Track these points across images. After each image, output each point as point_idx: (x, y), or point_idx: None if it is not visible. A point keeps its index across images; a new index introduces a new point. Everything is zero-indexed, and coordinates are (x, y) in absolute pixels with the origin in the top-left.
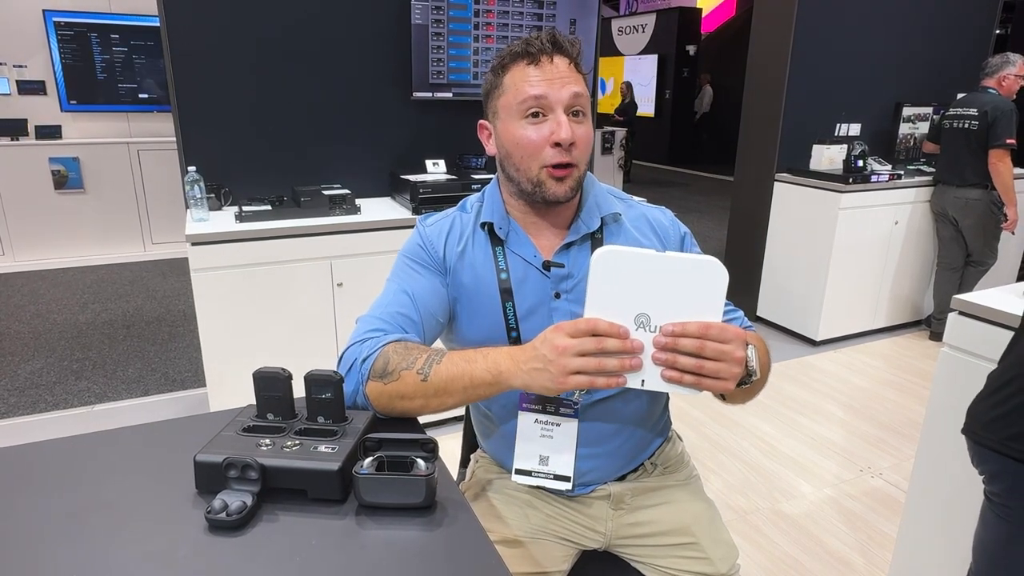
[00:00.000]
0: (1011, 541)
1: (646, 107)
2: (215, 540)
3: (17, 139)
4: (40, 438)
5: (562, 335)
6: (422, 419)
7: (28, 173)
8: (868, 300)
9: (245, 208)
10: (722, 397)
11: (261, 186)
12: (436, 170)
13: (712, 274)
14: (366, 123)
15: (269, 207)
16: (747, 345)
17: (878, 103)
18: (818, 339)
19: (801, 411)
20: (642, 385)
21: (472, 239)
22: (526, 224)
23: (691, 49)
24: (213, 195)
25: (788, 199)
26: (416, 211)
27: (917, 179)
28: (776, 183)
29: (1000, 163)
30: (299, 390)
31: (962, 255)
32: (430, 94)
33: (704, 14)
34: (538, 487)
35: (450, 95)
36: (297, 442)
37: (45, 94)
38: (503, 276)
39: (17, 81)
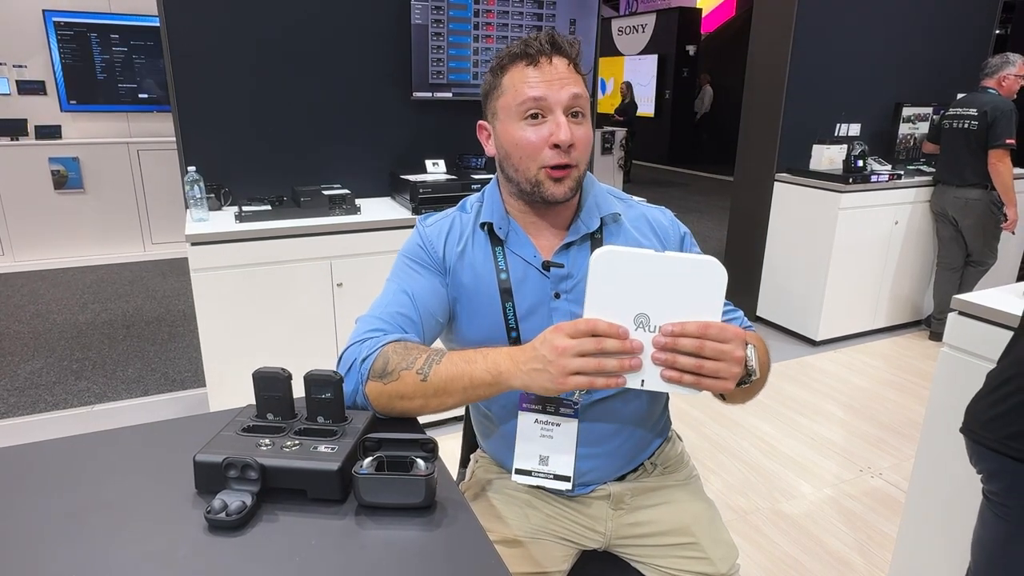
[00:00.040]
0: (1009, 540)
1: (646, 107)
2: (215, 540)
3: (17, 139)
4: (40, 438)
5: (562, 335)
6: (422, 419)
7: (28, 173)
8: (868, 300)
9: (245, 208)
10: (722, 397)
11: (261, 186)
12: (436, 170)
13: (711, 274)
14: (366, 123)
15: (269, 207)
16: (746, 345)
17: (878, 103)
18: (818, 339)
19: (801, 411)
20: (642, 385)
21: (472, 239)
22: (526, 224)
23: (691, 49)
24: (213, 195)
25: (788, 199)
26: (416, 211)
27: (917, 179)
28: (776, 183)
29: (1000, 163)
30: (299, 390)
31: (962, 255)
32: (430, 94)
33: (704, 14)
34: (538, 487)
35: (450, 95)
36: (297, 442)
37: (45, 94)
38: (503, 276)
39: (17, 81)
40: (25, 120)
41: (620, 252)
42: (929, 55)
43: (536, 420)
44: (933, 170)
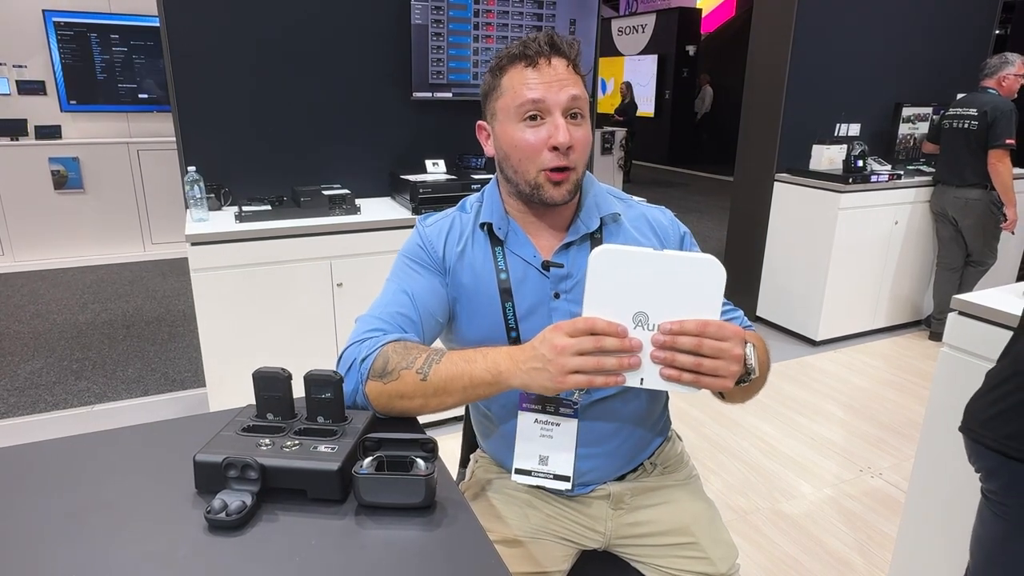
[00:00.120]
0: (1008, 538)
1: (646, 107)
2: (215, 540)
3: (17, 139)
4: (40, 438)
5: (561, 334)
6: (422, 419)
7: (28, 173)
8: (868, 300)
9: (245, 208)
10: (721, 396)
11: (261, 186)
12: (436, 170)
13: (710, 272)
14: (366, 123)
15: (269, 207)
16: (745, 343)
17: (878, 103)
18: (818, 339)
19: (801, 411)
20: (641, 384)
21: (472, 239)
22: (525, 224)
23: (691, 49)
24: (213, 195)
25: (788, 199)
26: (416, 211)
27: (917, 179)
28: (776, 183)
29: (999, 163)
30: (299, 390)
31: (962, 255)
32: (430, 94)
33: (704, 14)
34: (538, 487)
35: (450, 95)
36: (297, 442)
37: (45, 94)
38: (502, 276)
39: (17, 81)
40: (25, 120)
41: (618, 250)
42: (929, 55)
43: (536, 420)
44: (933, 170)
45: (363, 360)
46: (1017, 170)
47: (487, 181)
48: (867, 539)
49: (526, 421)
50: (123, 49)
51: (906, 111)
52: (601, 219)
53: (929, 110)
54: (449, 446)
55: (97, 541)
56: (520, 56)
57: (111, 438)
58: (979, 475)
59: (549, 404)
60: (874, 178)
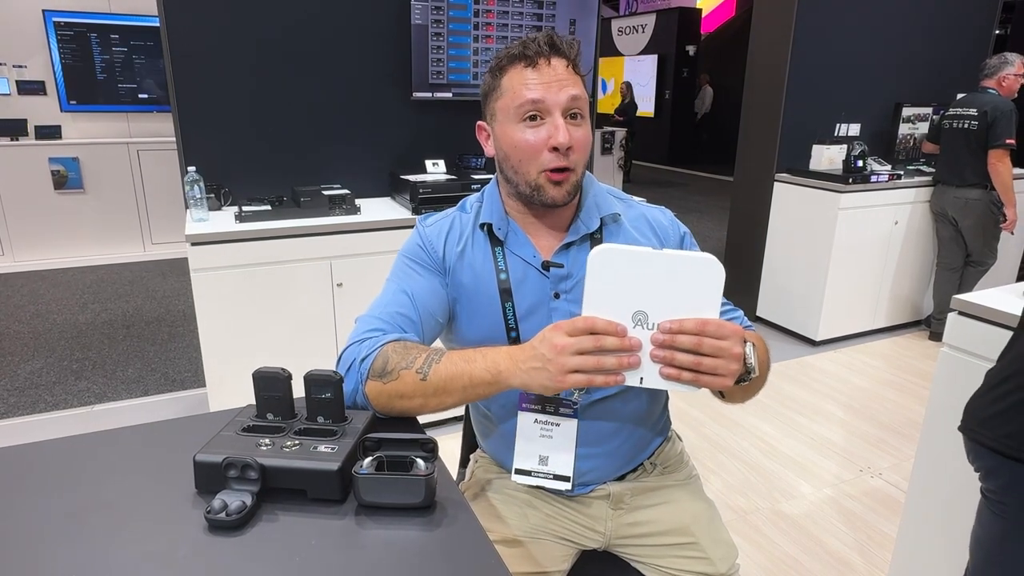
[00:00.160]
0: (1006, 538)
1: (646, 107)
2: (215, 540)
3: (17, 139)
4: (40, 438)
5: (560, 334)
6: (421, 419)
7: (28, 173)
8: (868, 300)
9: (245, 208)
10: (721, 395)
11: (261, 186)
12: (436, 170)
13: (709, 271)
14: (366, 123)
15: (269, 207)
16: (745, 342)
17: (878, 103)
18: (818, 339)
19: (801, 411)
20: (641, 383)
21: (472, 239)
22: (525, 224)
23: (691, 49)
24: (213, 195)
25: (788, 199)
26: (416, 211)
27: (917, 179)
28: (776, 183)
29: (999, 163)
30: (299, 390)
31: (962, 255)
32: (430, 94)
33: (704, 14)
34: (538, 487)
35: (450, 95)
36: (297, 442)
37: (45, 94)
38: (502, 276)
39: (17, 81)
40: (25, 120)
41: (618, 250)
42: (929, 55)
43: (536, 420)
44: (933, 170)
45: (363, 360)
46: (1017, 170)
47: (487, 181)
48: (867, 539)
49: (526, 421)
50: (123, 49)
51: (906, 111)
52: (601, 219)
53: (929, 110)
54: (449, 446)
55: (97, 541)
56: (520, 56)
57: (111, 438)
58: (978, 474)
59: (549, 404)
60: (874, 178)
